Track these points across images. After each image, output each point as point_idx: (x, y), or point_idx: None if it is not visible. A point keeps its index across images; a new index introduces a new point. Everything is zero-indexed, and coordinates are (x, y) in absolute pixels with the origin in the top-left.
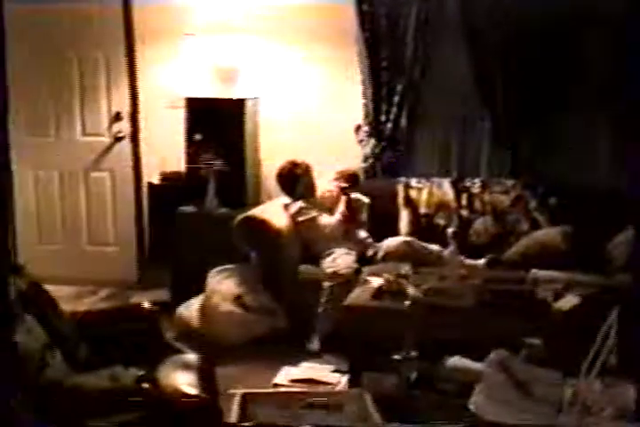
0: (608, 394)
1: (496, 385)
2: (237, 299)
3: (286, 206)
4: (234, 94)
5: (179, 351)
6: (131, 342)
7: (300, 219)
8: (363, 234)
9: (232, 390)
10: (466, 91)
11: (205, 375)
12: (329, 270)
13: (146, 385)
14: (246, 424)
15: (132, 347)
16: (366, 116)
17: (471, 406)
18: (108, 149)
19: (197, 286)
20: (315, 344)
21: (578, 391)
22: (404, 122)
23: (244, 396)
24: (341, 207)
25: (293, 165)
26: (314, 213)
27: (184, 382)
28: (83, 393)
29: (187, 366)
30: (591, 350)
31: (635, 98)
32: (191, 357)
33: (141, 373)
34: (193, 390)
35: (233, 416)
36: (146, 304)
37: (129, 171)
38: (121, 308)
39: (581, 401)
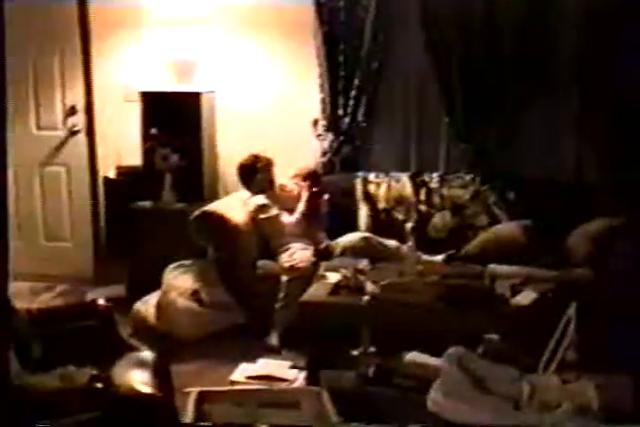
0: (567, 390)
1: (453, 382)
2: (194, 294)
3: (246, 201)
4: (190, 88)
5: (134, 349)
6: (85, 341)
7: (261, 216)
8: (321, 231)
9: (187, 389)
10: (424, 84)
11: (160, 373)
12: (286, 265)
13: (99, 385)
14: (202, 424)
15: (86, 345)
16: (324, 110)
17: (429, 404)
18: (63, 143)
19: (154, 282)
20: (273, 340)
21: (535, 387)
22: (361, 116)
23: (200, 394)
24: (302, 206)
25: (255, 159)
26: (274, 212)
27: (139, 380)
28: (34, 394)
29: (142, 364)
30: (549, 346)
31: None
32: (146, 354)
33: (94, 372)
34: (148, 389)
35: (188, 415)
36: (100, 301)
37: (85, 165)
38: (75, 304)
39: (539, 397)
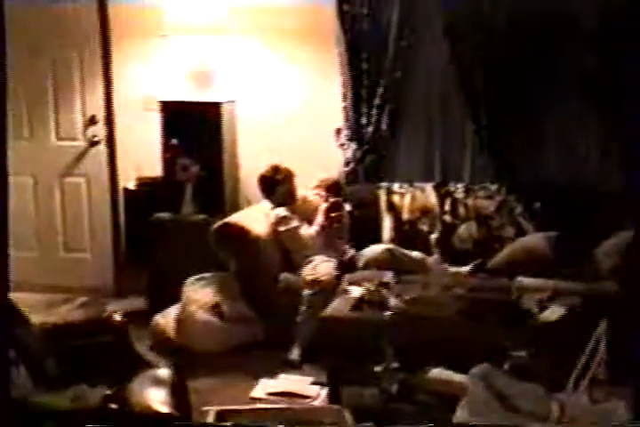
0: (597, 410)
1: (480, 401)
2: (214, 308)
3: (267, 213)
4: (210, 97)
5: (150, 366)
6: (100, 357)
7: (281, 229)
8: (343, 242)
9: (206, 407)
10: (449, 93)
11: (178, 391)
12: (309, 278)
13: (113, 406)
14: None
15: (102, 362)
16: (346, 119)
17: (455, 422)
18: (83, 153)
19: (174, 294)
20: (294, 355)
21: (564, 407)
22: (385, 125)
23: (219, 413)
24: (320, 217)
25: (275, 170)
26: (295, 224)
27: (155, 399)
28: (45, 413)
29: (158, 382)
30: (578, 364)
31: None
32: (163, 371)
33: (108, 392)
34: (165, 409)
35: None
36: (116, 316)
37: (104, 176)
38: (90, 320)
39: (569, 417)
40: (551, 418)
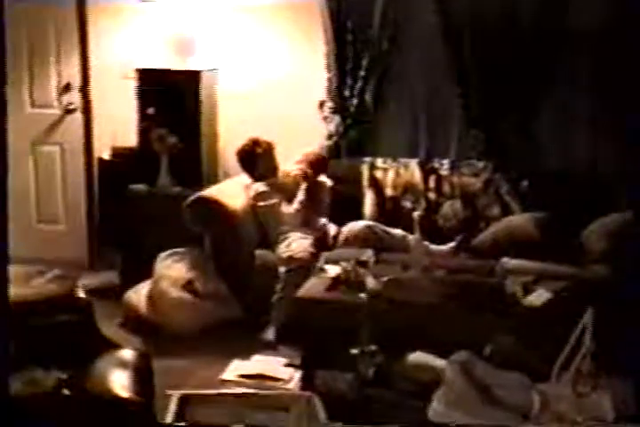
0: (581, 402)
1: (457, 391)
2: (188, 285)
3: (246, 187)
4: (189, 66)
5: (115, 347)
6: (61, 338)
7: (260, 204)
8: (322, 219)
9: (170, 391)
10: (437, 66)
11: (142, 375)
12: (284, 255)
13: (66, 391)
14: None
15: (62, 343)
16: (330, 91)
17: (430, 414)
18: (58, 121)
19: (149, 270)
20: (269, 335)
21: (547, 398)
22: (369, 98)
23: (182, 398)
24: (300, 195)
25: (255, 143)
26: (274, 200)
27: (116, 382)
28: None
29: (121, 364)
30: (562, 353)
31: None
32: (127, 353)
33: (63, 376)
34: (125, 393)
35: (169, 419)
36: (80, 293)
37: (80, 145)
38: (51, 297)
39: (551, 410)
40: (532, 411)
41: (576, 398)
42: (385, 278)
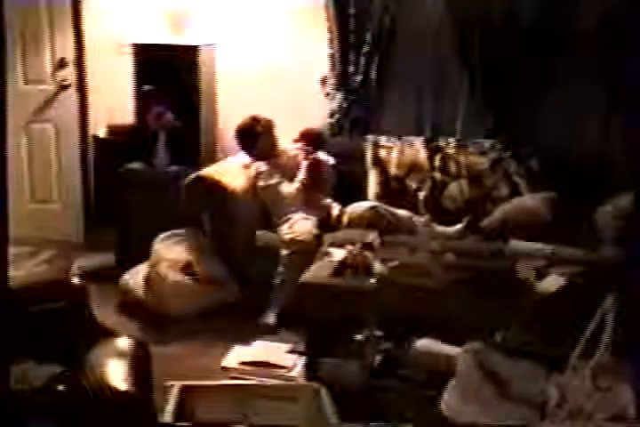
0: (601, 395)
1: (470, 384)
2: (186, 267)
3: (246, 167)
4: (187, 41)
5: (111, 335)
6: (53, 326)
7: (260, 184)
8: (325, 199)
9: (169, 382)
10: (442, 40)
11: (139, 364)
12: (286, 237)
13: (60, 387)
14: (181, 425)
15: (55, 331)
16: (333, 67)
17: (442, 407)
18: (52, 98)
19: (145, 251)
20: (270, 319)
21: (565, 391)
22: (374, 74)
23: (183, 389)
24: (302, 174)
25: (254, 122)
26: (275, 180)
27: (113, 374)
28: None
29: (118, 354)
30: (580, 342)
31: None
32: (123, 342)
33: (57, 370)
34: (123, 385)
35: (168, 413)
36: (74, 278)
37: (75, 123)
38: (43, 283)
39: (569, 403)
40: (549, 405)
41: (595, 392)
42: (393, 263)
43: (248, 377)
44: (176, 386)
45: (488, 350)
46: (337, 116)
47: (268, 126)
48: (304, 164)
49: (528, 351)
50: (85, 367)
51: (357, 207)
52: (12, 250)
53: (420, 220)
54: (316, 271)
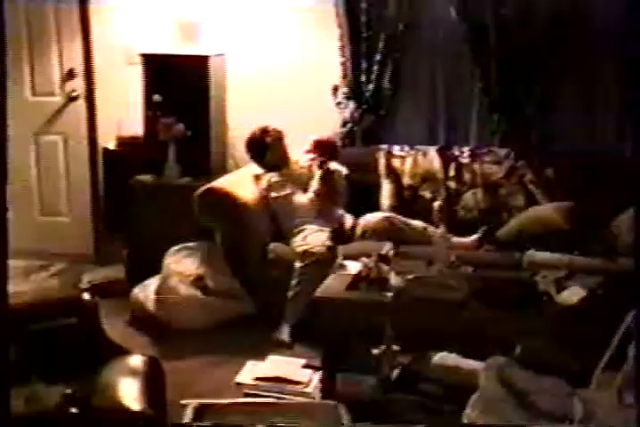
0: (627, 411)
1: (493, 398)
2: (198, 280)
3: (257, 178)
4: (197, 50)
5: (122, 352)
6: (64, 343)
7: (272, 195)
8: (339, 210)
9: (184, 401)
10: (456, 48)
11: (153, 382)
12: (300, 249)
13: (73, 410)
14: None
15: (65, 348)
16: (345, 75)
17: (464, 421)
18: (61, 110)
19: (156, 264)
20: (284, 334)
21: (590, 407)
22: (386, 82)
23: (198, 409)
24: (315, 184)
25: (264, 132)
26: (287, 191)
27: (125, 393)
28: None
29: (130, 372)
30: (604, 356)
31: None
32: (136, 359)
33: (68, 391)
34: (136, 406)
35: None
36: (85, 295)
37: (83, 134)
38: (53, 299)
39: (595, 419)
40: (575, 421)
41: (622, 408)
42: (409, 276)
43: (263, 393)
44: (191, 404)
45: (511, 366)
46: (349, 125)
47: (277, 137)
48: (318, 173)
49: (551, 366)
50: (96, 388)
51: (371, 218)
52: (21, 263)
53: (435, 231)
54: (331, 285)
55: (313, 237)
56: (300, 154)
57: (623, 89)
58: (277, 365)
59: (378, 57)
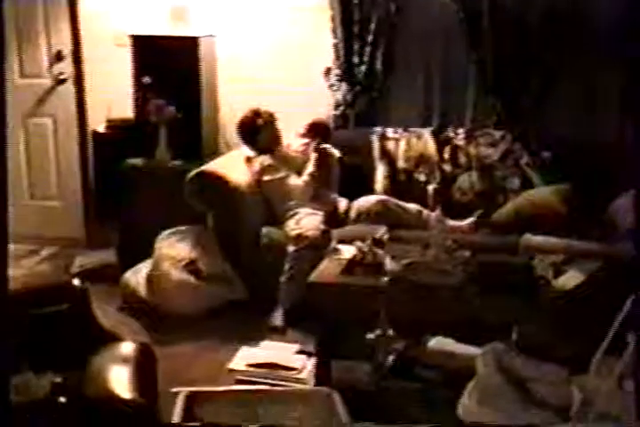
0: (627, 399)
1: (490, 387)
2: (190, 265)
3: (249, 160)
4: (187, 31)
5: (113, 339)
6: (53, 331)
7: (266, 178)
8: (333, 193)
9: (175, 389)
10: (450, 28)
11: (144, 370)
12: (293, 233)
13: (62, 399)
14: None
15: (55, 336)
16: (337, 57)
17: (460, 411)
18: (50, 92)
19: (147, 248)
20: (277, 319)
21: (588, 394)
22: (379, 64)
23: (189, 396)
24: (311, 166)
25: (255, 115)
26: (281, 174)
27: (116, 381)
28: None
29: (122, 360)
30: (603, 342)
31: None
32: (127, 346)
33: (57, 380)
34: (127, 394)
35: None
36: (75, 281)
37: (73, 117)
38: (42, 286)
39: (594, 406)
40: (573, 409)
41: (622, 394)
42: (405, 260)
43: (256, 379)
44: (183, 392)
45: (509, 352)
46: (342, 107)
47: (269, 119)
48: (313, 156)
49: (548, 351)
50: (88, 375)
51: (365, 201)
52: (11, 248)
53: (431, 214)
54: (325, 269)
55: (306, 221)
56: (292, 137)
57: (621, 82)
58: (270, 350)
59: (370, 38)
